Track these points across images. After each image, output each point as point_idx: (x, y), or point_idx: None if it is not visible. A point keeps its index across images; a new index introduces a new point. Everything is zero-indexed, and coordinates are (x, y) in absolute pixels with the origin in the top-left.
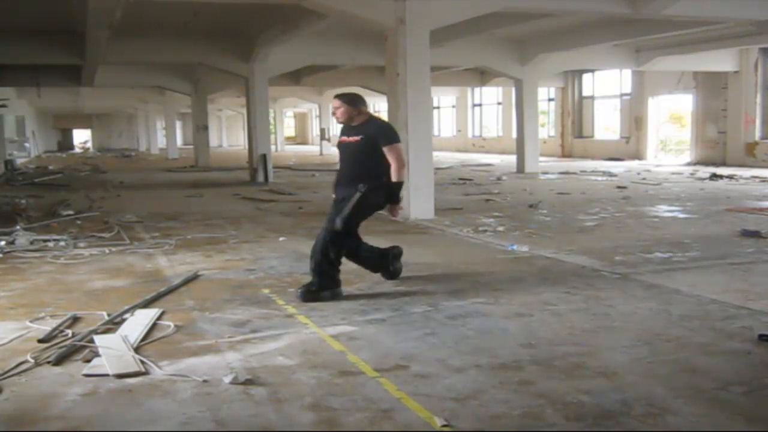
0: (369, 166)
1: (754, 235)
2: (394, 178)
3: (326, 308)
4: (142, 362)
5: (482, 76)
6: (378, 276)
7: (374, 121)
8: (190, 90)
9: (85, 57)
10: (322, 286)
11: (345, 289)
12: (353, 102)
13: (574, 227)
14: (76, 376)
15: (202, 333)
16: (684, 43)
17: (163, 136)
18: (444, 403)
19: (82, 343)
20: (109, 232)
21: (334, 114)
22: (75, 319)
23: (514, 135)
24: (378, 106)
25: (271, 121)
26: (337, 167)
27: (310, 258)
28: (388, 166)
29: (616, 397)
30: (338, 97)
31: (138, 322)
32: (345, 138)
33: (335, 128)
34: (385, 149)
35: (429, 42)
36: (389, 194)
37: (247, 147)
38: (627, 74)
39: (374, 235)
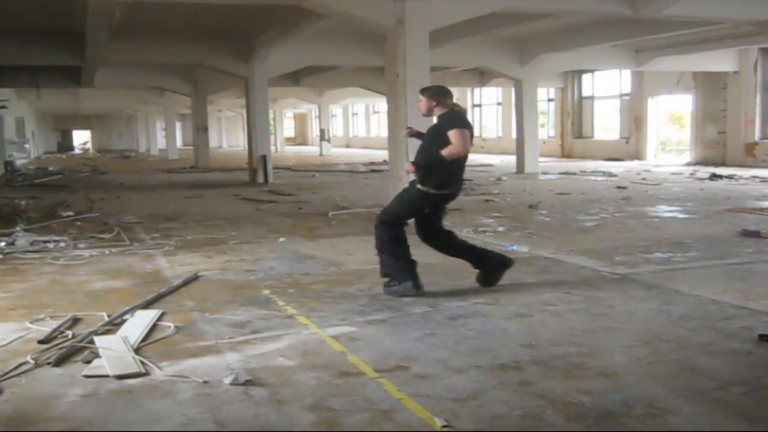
0: (428, 158)
1: (754, 235)
2: (445, 153)
3: (326, 309)
4: (143, 363)
5: (482, 76)
6: (377, 276)
7: (446, 114)
8: (189, 91)
9: (85, 58)
10: (392, 278)
11: (344, 289)
12: (432, 94)
13: (574, 228)
14: (77, 377)
15: (202, 334)
16: (683, 43)
17: (163, 137)
18: (444, 403)
19: (82, 344)
20: (109, 233)
21: (419, 106)
22: (75, 320)
23: (514, 135)
24: (377, 107)
25: (271, 122)
26: (337, 168)
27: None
28: (443, 162)
29: (616, 397)
30: (420, 91)
31: (138, 323)
32: (424, 131)
33: (335, 129)
34: (448, 134)
35: (429, 42)
36: (418, 160)
37: (246, 148)
38: (626, 74)
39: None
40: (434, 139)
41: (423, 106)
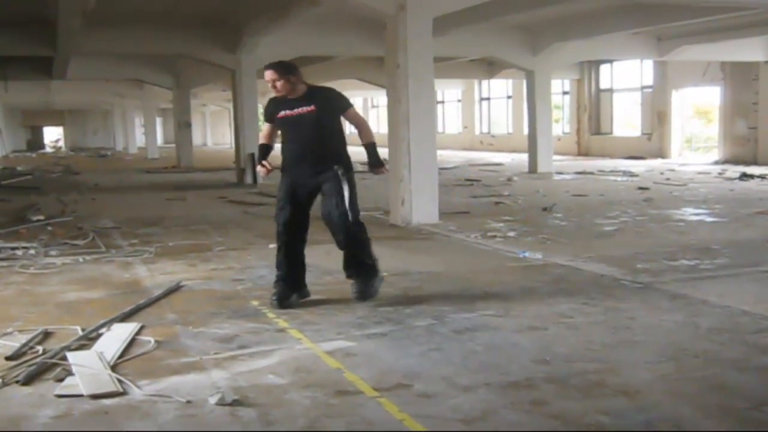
0: (335, 140)
1: None
2: (371, 139)
3: (321, 322)
4: (120, 381)
5: (490, 67)
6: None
7: (317, 89)
8: (171, 83)
9: (57, 48)
10: (370, 274)
11: (340, 300)
12: (291, 71)
13: (591, 232)
14: (48, 396)
15: (185, 349)
16: (711, 31)
17: (142, 133)
18: (450, 425)
19: (53, 360)
20: (83, 239)
21: (273, 87)
22: (46, 335)
23: (526, 132)
24: (376, 101)
25: (260, 117)
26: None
27: (343, 260)
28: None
29: (639, 417)
30: (272, 67)
31: (115, 338)
32: (290, 111)
33: None
34: (345, 116)
35: (432, 30)
36: (373, 158)
37: (233, 146)
38: (648, 65)
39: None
40: (330, 119)
41: (284, 86)
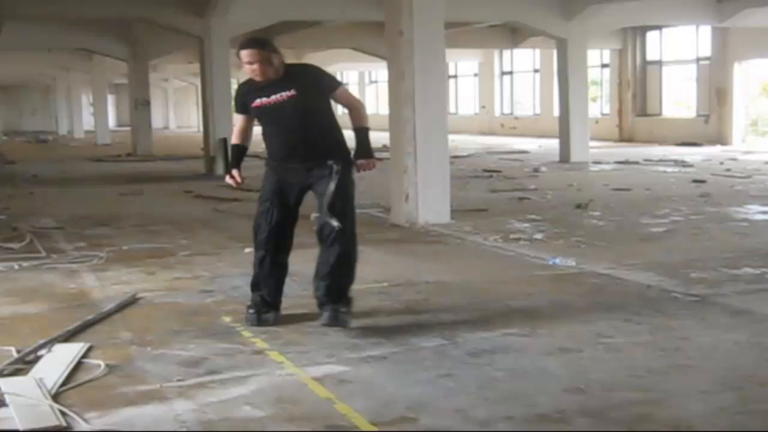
0: (325, 127)
1: None
2: (363, 123)
3: (307, 342)
4: (63, 414)
5: (514, 35)
6: (377, 300)
7: (295, 67)
8: (126, 54)
9: None
10: (345, 303)
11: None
12: (274, 49)
13: (636, 234)
14: None
15: (142, 375)
16: None
17: (91, 114)
18: None
19: None
20: (18, 242)
21: (254, 71)
22: None
23: (556, 113)
24: (374, 75)
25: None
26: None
27: (321, 280)
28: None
29: None
30: (251, 46)
31: (57, 361)
32: (266, 99)
33: None
34: (335, 96)
35: None
36: (361, 147)
37: (201, 129)
38: (706, 32)
39: (371, 245)
40: (316, 102)
41: (266, 71)
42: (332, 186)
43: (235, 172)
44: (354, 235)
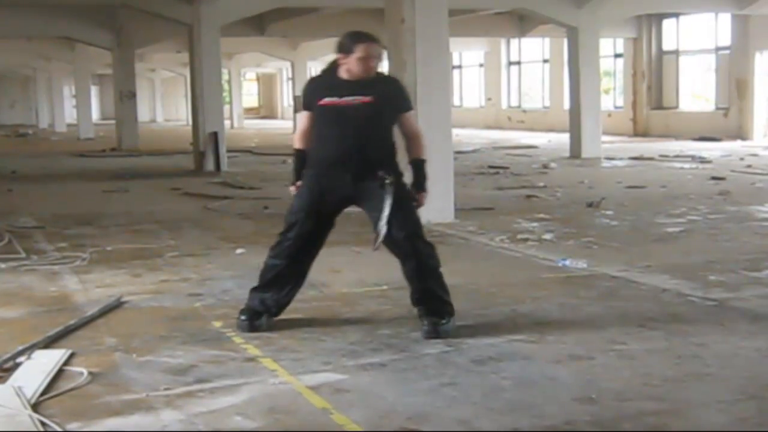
0: (386, 141)
1: None
2: (421, 155)
3: (302, 349)
4: (43, 424)
5: (522, 23)
6: (376, 304)
7: (379, 75)
8: (110, 43)
9: None
10: (445, 313)
11: (327, 321)
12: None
13: (650, 235)
14: None
15: (127, 383)
16: None
17: (73, 107)
18: None
19: None
20: None
21: (366, 67)
22: None
23: (566, 106)
24: None
25: (225, 86)
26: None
27: (411, 294)
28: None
29: None
30: (375, 40)
31: (37, 368)
32: (337, 99)
33: None
34: (402, 118)
35: None
36: (419, 180)
37: (191, 122)
38: (725, 20)
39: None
40: (390, 117)
41: (374, 68)
42: (388, 200)
43: (299, 183)
44: (428, 243)
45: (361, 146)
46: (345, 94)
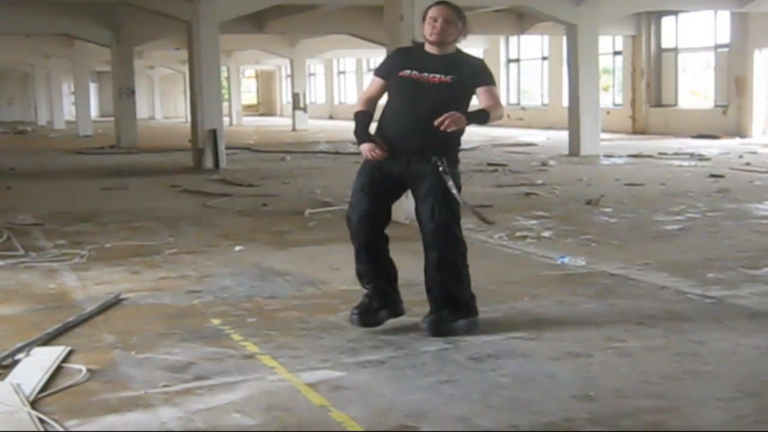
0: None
1: None
2: (490, 112)
3: (301, 346)
4: (42, 421)
5: (520, 20)
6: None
7: (465, 56)
8: (109, 40)
9: None
10: (459, 313)
11: (326, 319)
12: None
13: (649, 232)
14: None
15: (125, 380)
16: None
17: (72, 104)
18: None
19: None
20: None
21: (434, 28)
22: None
23: (565, 103)
24: (373, 62)
25: (224, 83)
26: (316, 148)
27: (427, 290)
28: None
29: None
30: (449, 5)
31: (36, 366)
32: (417, 73)
33: (314, 93)
34: (483, 89)
35: None
36: (476, 113)
37: (189, 120)
38: (724, 18)
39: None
40: (466, 99)
41: (446, 33)
42: (449, 190)
43: (375, 140)
44: (457, 239)
45: (422, 127)
46: (425, 70)
